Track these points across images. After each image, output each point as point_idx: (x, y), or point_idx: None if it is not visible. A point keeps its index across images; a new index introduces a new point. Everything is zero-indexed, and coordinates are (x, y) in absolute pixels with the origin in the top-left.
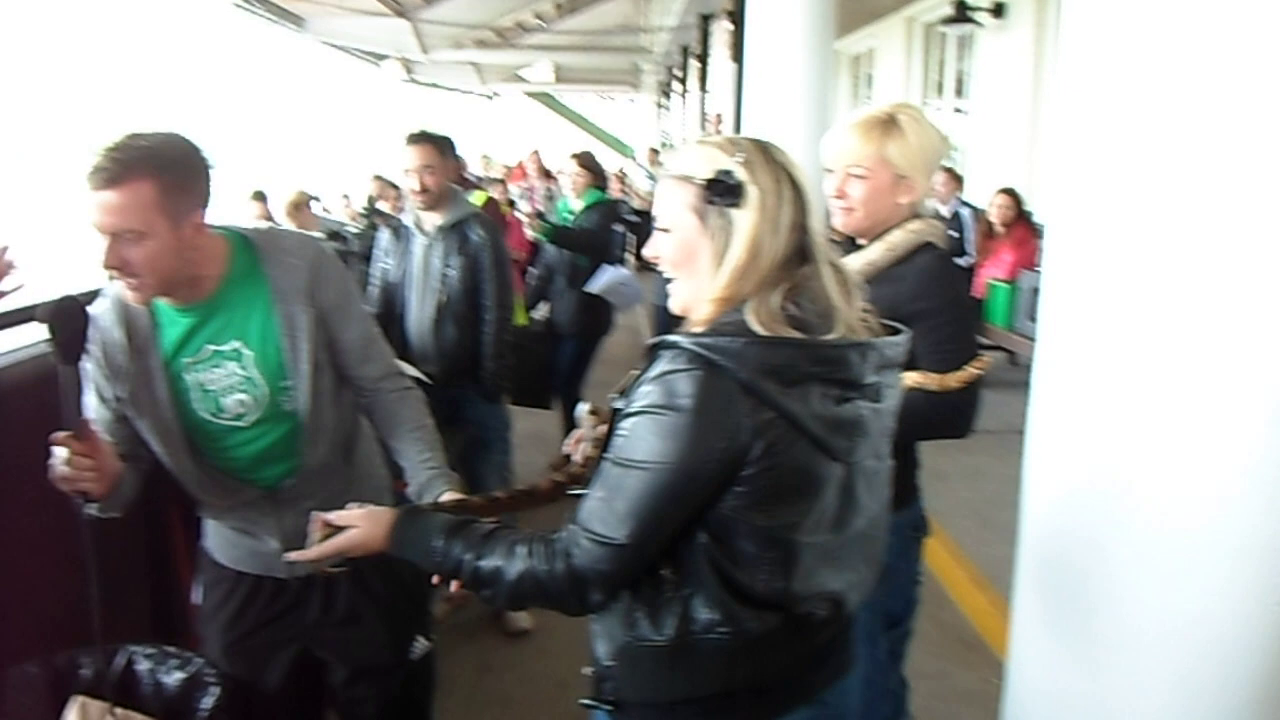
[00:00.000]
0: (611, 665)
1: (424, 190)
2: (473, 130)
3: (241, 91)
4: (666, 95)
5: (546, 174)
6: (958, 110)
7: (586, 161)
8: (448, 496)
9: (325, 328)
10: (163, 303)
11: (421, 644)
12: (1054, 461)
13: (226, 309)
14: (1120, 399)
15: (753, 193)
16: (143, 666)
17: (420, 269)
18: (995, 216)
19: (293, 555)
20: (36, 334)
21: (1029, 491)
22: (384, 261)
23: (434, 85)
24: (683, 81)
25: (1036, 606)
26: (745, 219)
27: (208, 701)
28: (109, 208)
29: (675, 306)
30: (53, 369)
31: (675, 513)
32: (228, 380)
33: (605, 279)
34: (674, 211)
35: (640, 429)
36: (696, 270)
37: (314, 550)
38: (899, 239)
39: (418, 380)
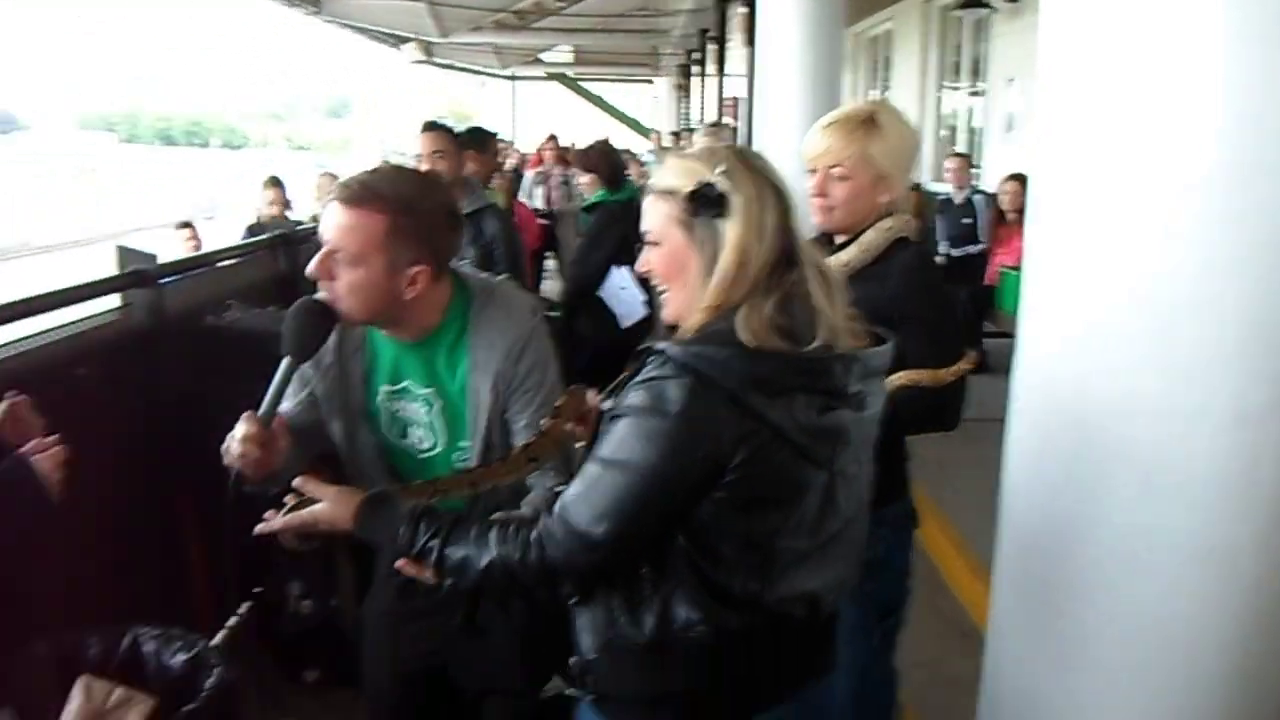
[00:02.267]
0: (594, 659)
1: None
2: (493, 111)
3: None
4: (686, 78)
5: (564, 160)
6: (974, 93)
7: (588, 163)
8: None
9: (506, 409)
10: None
11: (559, 685)
12: (1030, 456)
13: (434, 357)
14: (1094, 396)
15: (736, 201)
16: (148, 648)
17: None
18: (1006, 203)
19: (260, 527)
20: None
21: (1007, 487)
22: None
23: (451, 67)
24: (701, 65)
25: (1012, 602)
26: (731, 228)
27: (210, 682)
28: (337, 222)
29: (668, 317)
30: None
31: (653, 515)
32: (416, 417)
33: (608, 283)
34: (661, 226)
35: (625, 431)
36: (687, 282)
37: (280, 520)
38: (873, 239)
39: None
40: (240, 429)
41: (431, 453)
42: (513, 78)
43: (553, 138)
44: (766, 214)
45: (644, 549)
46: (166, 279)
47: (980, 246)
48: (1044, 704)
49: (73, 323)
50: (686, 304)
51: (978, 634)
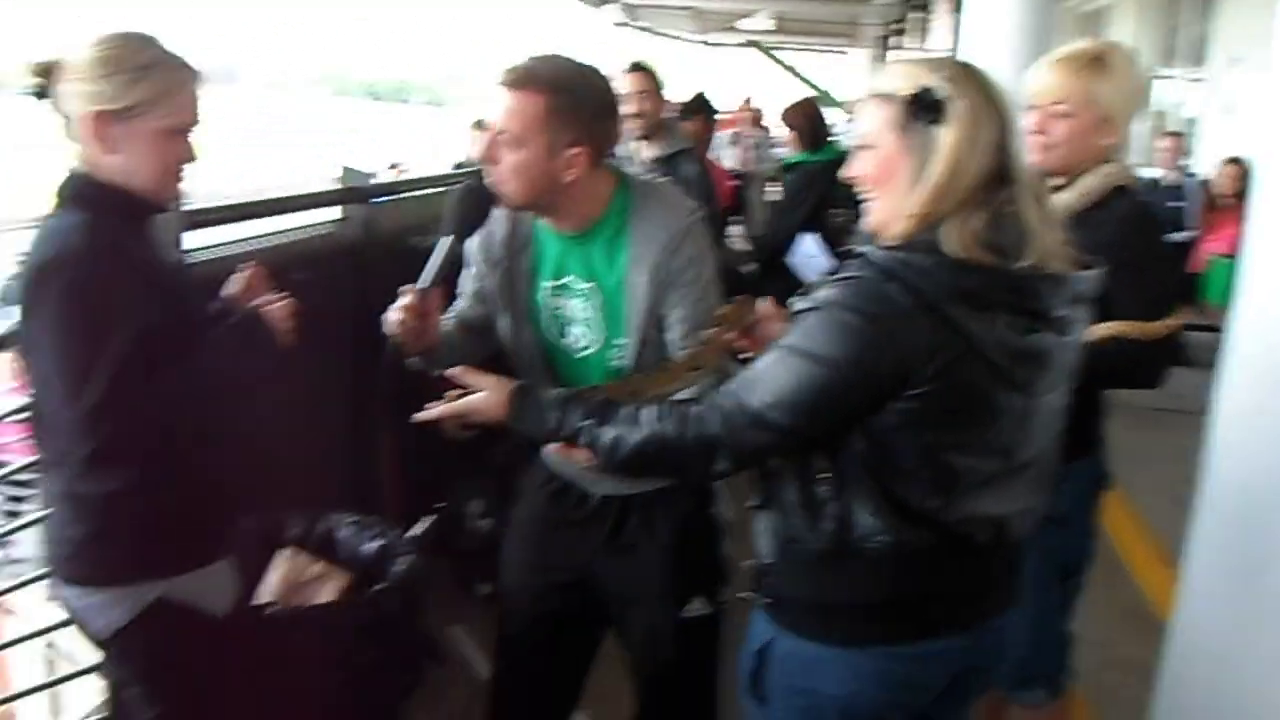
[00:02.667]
0: (772, 562)
1: (639, 115)
2: (688, 78)
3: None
4: (884, 50)
5: (758, 123)
6: (1194, 80)
7: (791, 120)
8: None
9: (661, 303)
10: (543, 223)
11: (701, 605)
12: (1244, 414)
13: (594, 251)
14: None
15: (954, 110)
16: (344, 533)
17: None
18: (1222, 187)
19: (420, 415)
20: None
21: (1214, 449)
22: None
23: (650, 31)
24: (901, 35)
25: (1206, 562)
26: (946, 136)
27: (399, 568)
28: (501, 106)
29: (870, 225)
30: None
31: (828, 410)
32: (576, 314)
33: (797, 249)
34: (875, 129)
35: (815, 323)
36: (894, 188)
37: (440, 408)
38: (1091, 184)
39: None
40: (400, 300)
41: (588, 352)
42: (708, 44)
43: (748, 99)
44: (984, 127)
45: (816, 446)
46: (380, 199)
47: (1188, 234)
48: (1233, 669)
49: (294, 229)
50: (891, 212)
51: (1155, 620)
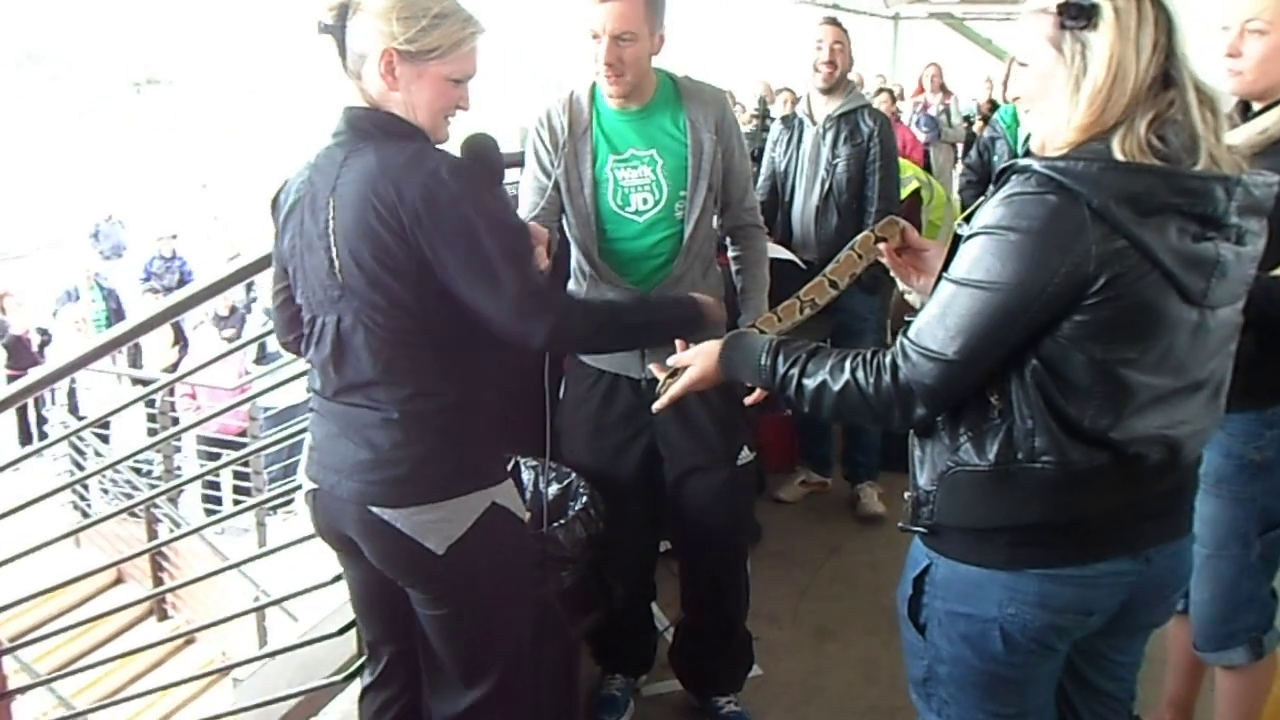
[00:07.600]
0: (931, 490)
1: (831, 64)
2: (872, 52)
3: None
4: None
5: (944, 90)
6: None
7: None
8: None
9: (722, 159)
10: (608, 105)
11: (746, 453)
12: None
13: (652, 122)
14: None
15: (1107, 12)
16: (526, 475)
17: (809, 158)
18: None
19: (656, 406)
20: None
21: None
22: (773, 152)
23: (835, 6)
24: None
25: None
26: (1102, 40)
27: (576, 506)
28: (609, 16)
29: (1034, 144)
30: None
31: (1008, 333)
32: (638, 180)
33: None
34: (1030, 45)
35: (980, 249)
36: (1053, 101)
37: (665, 398)
38: None
39: (794, 264)
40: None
41: (653, 211)
42: (895, 18)
43: (935, 65)
44: (1143, 28)
45: (997, 370)
46: None
47: None
48: None
49: None
50: (1052, 126)
51: None
